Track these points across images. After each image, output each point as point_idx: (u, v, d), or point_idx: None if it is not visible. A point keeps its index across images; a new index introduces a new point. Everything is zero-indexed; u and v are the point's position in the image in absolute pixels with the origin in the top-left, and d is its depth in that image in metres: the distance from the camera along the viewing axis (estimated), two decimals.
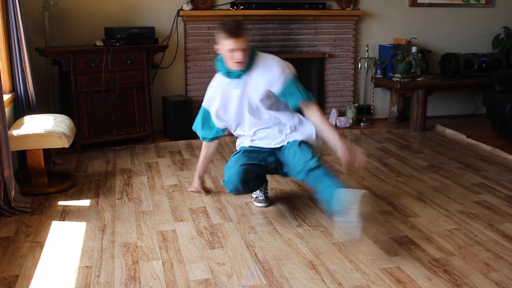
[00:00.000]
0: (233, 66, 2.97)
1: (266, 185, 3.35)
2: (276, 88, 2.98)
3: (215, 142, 3.37)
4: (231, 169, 3.02)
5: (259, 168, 3.09)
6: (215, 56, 5.54)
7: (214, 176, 3.88)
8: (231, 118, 3.15)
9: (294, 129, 3.10)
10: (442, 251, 2.69)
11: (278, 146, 3.09)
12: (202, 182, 3.51)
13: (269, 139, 3.11)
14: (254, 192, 3.33)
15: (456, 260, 2.60)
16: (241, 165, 2.99)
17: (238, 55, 2.90)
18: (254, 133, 3.14)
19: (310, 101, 2.99)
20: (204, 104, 3.24)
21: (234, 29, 2.87)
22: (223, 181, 3.12)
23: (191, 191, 3.52)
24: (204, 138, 3.32)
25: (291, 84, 2.97)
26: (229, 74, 3.03)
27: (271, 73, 2.97)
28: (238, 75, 3.01)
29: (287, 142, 3.06)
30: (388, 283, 2.39)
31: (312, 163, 2.87)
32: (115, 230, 2.92)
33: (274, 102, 3.07)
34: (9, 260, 2.58)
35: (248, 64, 3.00)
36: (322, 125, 2.95)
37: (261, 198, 3.31)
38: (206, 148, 3.38)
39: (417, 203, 3.35)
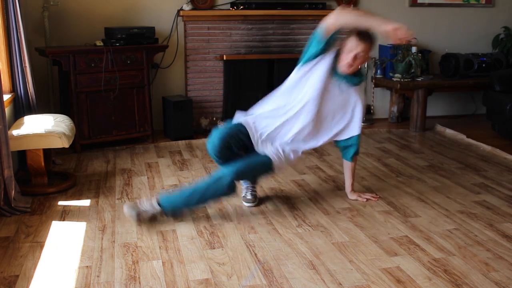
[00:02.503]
0: (343, 68, 3.05)
1: (255, 184, 3.33)
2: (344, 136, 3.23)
3: None
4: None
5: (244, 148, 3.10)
6: (215, 56, 5.53)
7: None
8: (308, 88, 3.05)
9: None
10: (442, 251, 2.69)
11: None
12: None
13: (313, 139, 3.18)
14: (242, 191, 3.32)
15: (456, 260, 2.60)
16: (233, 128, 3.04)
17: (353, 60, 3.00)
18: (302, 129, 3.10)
19: None
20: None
21: (368, 35, 3.00)
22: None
23: None
24: None
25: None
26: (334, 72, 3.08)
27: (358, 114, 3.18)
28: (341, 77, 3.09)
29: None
30: (388, 283, 2.39)
31: None
32: (115, 230, 2.92)
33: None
34: (9, 260, 2.58)
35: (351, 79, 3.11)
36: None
37: (249, 197, 3.27)
38: None
39: (417, 203, 3.35)
